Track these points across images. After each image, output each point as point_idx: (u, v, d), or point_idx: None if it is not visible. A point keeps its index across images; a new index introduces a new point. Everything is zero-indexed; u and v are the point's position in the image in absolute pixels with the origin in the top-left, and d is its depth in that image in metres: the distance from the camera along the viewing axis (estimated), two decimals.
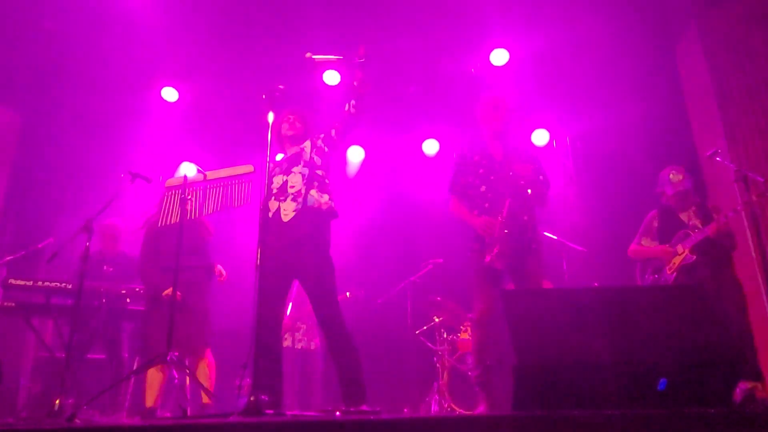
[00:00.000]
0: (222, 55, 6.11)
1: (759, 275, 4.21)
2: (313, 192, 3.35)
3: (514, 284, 3.42)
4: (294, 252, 3.26)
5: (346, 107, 3.40)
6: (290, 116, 3.62)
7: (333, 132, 3.53)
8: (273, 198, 3.37)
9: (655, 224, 4.42)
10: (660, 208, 4.45)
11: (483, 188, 3.51)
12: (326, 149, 3.52)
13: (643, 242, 4.49)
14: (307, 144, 3.54)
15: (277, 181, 3.45)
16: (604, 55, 5.93)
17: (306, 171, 3.41)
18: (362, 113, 3.40)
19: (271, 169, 3.46)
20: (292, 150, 3.61)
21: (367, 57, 3.24)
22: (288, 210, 3.31)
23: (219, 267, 4.35)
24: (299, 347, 5.40)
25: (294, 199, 3.33)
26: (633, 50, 5.80)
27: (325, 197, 3.38)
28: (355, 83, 3.30)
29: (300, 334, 5.43)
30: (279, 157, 3.73)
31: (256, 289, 2.69)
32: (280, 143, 3.67)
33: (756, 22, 5.07)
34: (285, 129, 3.60)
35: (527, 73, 6.15)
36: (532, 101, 6.19)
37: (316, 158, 3.48)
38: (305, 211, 3.30)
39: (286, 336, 5.40)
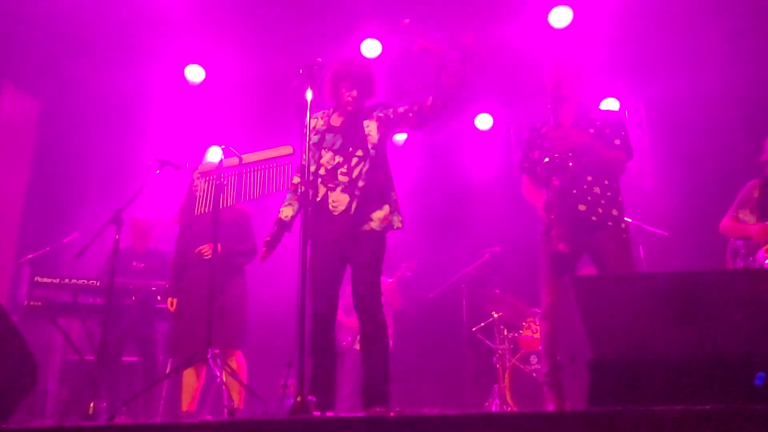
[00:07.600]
0: (251, 26, 6.17)
1: None
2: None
3: (596, 270, 3.42)
4: (349, 239, 3.30)
5: (429, 101, 3.30)
6: (352, 89, 3.43)
7: (401, 114, 3.43)
8: (320, 181, 3.34)
9: (755, 194, 4.16)
10: (763, 178, 4.19)
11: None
12: (387, 130, 3.49)
13: (740, 215, 4.20)
14: (372, 125, 3.42)
15: (326, 159, 3.39)
16: (685, 9, 5.79)
17: (368, 159, 3.34)
18: (443, 113, 3.33)
19: (317, 137, 3.43)
20: (347, 123, 3.49)
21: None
22: (339, 202, 3.31)
23: None
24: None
25: (346, 191, 3.31)
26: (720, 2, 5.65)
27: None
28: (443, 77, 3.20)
29: None
30: (314, 122, 3.50)
31: (299, 280, 2.77)
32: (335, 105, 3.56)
33: None
34: (346, 100, 3.44)
35: (594, 33, 6.06)
36: (600, 64, 6.10)
37: (379, 140, 3.41)
38: (361, 205, 3.29)
39: (351, 338, 5.98)
